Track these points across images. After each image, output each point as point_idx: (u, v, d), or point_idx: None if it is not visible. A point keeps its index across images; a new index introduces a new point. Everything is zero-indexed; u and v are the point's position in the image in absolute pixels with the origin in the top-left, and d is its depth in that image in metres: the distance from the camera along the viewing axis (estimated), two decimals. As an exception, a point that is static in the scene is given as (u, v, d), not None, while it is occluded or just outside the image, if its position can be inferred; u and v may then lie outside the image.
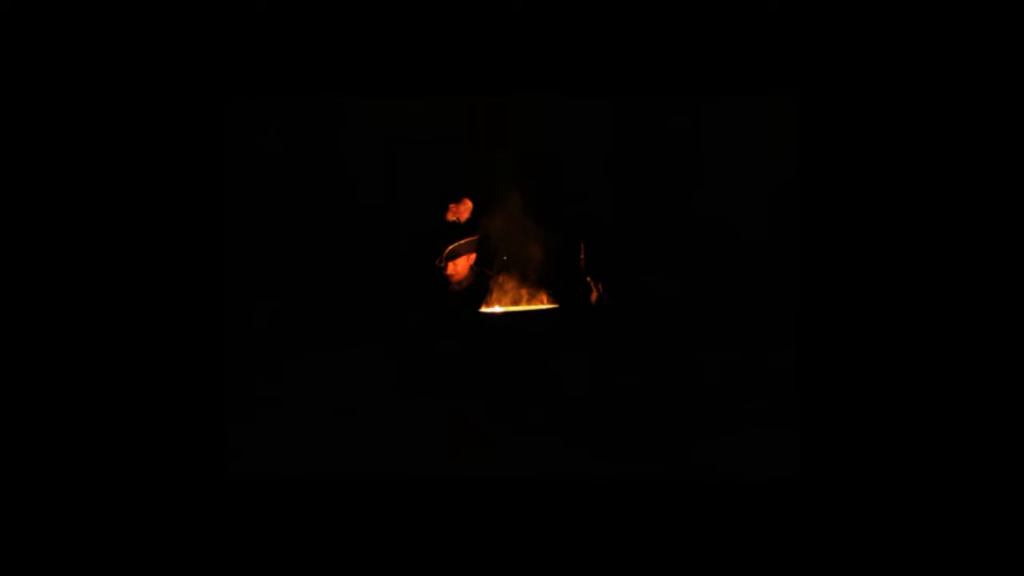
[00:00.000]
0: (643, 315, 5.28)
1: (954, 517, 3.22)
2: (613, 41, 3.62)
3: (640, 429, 4.52)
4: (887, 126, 3.38)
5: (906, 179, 3.36)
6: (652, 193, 6.01)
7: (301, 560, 3.20)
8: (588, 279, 5.41)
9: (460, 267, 5.39)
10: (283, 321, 5.89)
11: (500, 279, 5.48)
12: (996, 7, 3.30)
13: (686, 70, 3.67)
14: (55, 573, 3.19)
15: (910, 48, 3.37)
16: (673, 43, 3.61)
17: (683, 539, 3.26)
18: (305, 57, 3.62)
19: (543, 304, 5.45)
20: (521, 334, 5.23)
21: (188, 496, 3.37)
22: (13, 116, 3.35)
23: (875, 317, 3.37)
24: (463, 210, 5.48)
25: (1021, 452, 3.22)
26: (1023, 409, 3.24)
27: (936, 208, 3.34)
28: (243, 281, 5.38)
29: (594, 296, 5.38)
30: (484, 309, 5.39)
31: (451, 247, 5.35)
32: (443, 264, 5.35)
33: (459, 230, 5.44)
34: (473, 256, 5.42)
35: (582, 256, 5.45)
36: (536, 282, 5.49)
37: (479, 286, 5.44)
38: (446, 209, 5.49)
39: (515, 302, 5.45)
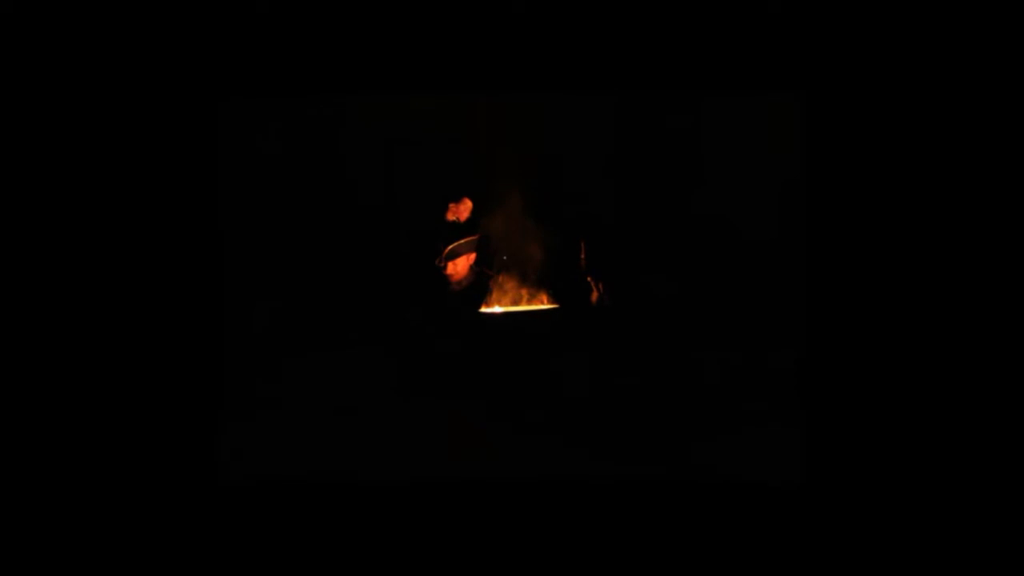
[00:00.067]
0: (643, 315, 5.28)
1: (954, 517, 3.22)
2: (613, 40, 3.62)
3: (640, 429, 4.52)
4: (889, 125, 3.38)
5: (908, 178, 3.36)
6: (652, 193, 6.00)
7: (301, 560, 3.19)
8: (588, 279, 5.41)
9: (460, 267, 5.39)
10: (283, 321, 5.88)
11: (500, 279, 5.48)
12: (997, 5, 3.29)
13: (686, 69, 3.67)
14: (55, 573, 3.19)
15: (913, 45, 3.37)
16: (674, 42, 3.61)
17: (683, 539, 3.26)
18: (305, 57, 3.62)
19: (543, 304, 5.45)
20: (521, 334, 5.24)
21: (188, 496, 3.38)
22: (11, 116, 3.35)
23: (875, 317, 3.37)
24: (463, 210, 5.48)
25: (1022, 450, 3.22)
26: None
27: (938, 207, 3.34)
28: (243, 281, 5.37)
29: (594, 296, 5.38)
30: (484, 309, 5.39)
31: (451, 247, 5.35)
32: (443, 264, 5.35)
33: (459, 230, 5.44)
34: (473, 256, 5.42)
35: (582, 256, 5.45)
36: (536, 282, 5.49)
37: (479, 286, 5.44)
38: (446, 209, 5.50)
39: (515, 302, 5.45)
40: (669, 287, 5.45)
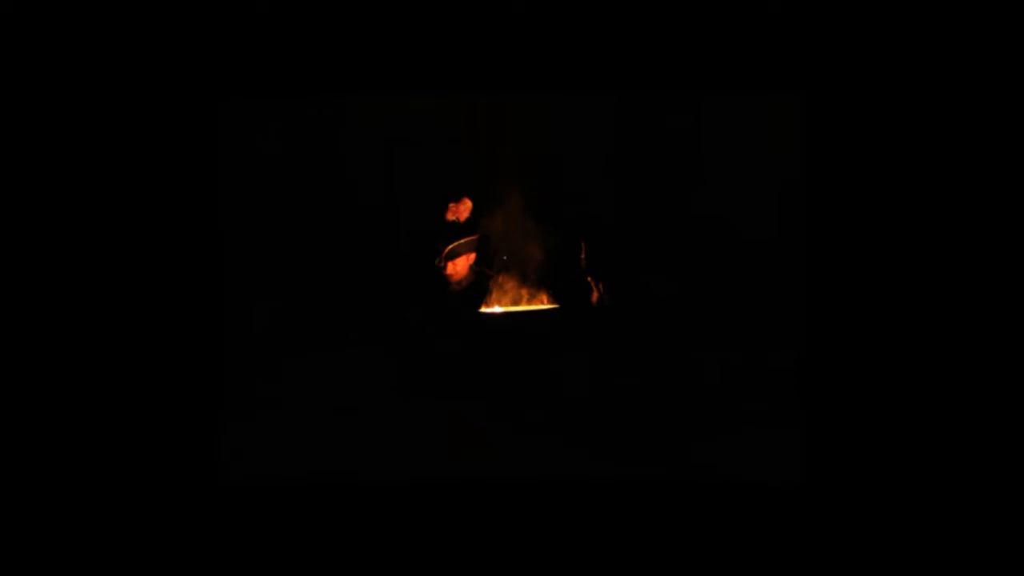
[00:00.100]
0: (643, 315, 5.28)
1: (954, 517, 3.22)
2: (613, 40, 3.62)
3: (640, 429, 4.52)
4: (889, 125, 3.38)
5: (908, 178, 3.36)
6: (652, 193, 6.00)
7: (301, 560, 3.19)
8: (588, 279, 5.41)
9: (460, 267, 5.39)
10: (283, 321, 5.88)
11: (500, 279, 5.47)
12: (998, 5, 3.29)
13: (686, 69, 3.67)
14: (55, 573, 3.19)
15: (912, 45, 3.37)
16: (674, 42, 3.61)
17: (683, 539, 3.26)
18: (305, 57, 3.63)
19: (543, 304, 5.45)
20: (521, 334, 5.23)
21: (188, 496, 3.38)
22: (11, 116, 3.35)
23: (875, 317, 3.37)
24: (463, 210, 5.48)
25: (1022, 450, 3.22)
26: None
27: (938, 208, 3.34)
28: (243, 281, 5.36)
29: (594, 296, 5.38)
30: (484, 309, 5.39)
31: (451, 247, 5.34)
32: (443, 264, 5.35)
33: (459, 230, 5.43)
34: (473, 256, 5.41)
35: (582, 256, 5.45)
36: (536, 282, 5.49)
37: (479, 286, 5.44)
38: (446, 209, 5.50)
39: (515, 302, 5.45)
40: (669, 287, 5.45)
